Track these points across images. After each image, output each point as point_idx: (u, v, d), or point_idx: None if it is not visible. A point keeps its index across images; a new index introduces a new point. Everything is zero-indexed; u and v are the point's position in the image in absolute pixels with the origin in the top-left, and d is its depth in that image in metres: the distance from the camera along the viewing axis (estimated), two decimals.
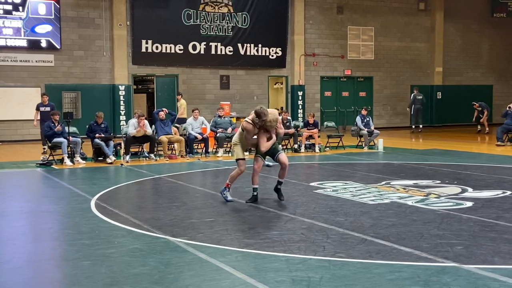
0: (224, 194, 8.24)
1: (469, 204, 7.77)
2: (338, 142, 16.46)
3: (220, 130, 14.85)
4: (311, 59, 24.66)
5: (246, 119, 8.17)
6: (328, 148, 16.01)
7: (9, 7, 19.31)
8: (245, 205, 7.90)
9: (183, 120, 16.59)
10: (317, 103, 25.03)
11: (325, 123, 19.02)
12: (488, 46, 28.30)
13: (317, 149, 15.55)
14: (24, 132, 19.28)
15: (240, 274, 4.80)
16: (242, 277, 4.74)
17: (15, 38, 19.44)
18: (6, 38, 19.32)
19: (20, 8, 19.47)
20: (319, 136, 15.88)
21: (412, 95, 24.41)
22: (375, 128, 17.17)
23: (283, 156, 8.35)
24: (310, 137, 15.87)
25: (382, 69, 26.21)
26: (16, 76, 19.68)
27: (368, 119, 16.88)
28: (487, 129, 21.90)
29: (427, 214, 7.19)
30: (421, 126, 23.88)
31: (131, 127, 13.74)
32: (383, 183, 9.74)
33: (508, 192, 8.65)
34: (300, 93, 24.37)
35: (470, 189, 8.95)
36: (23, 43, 19.60)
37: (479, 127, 22.64)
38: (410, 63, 26.78)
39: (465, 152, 15.35)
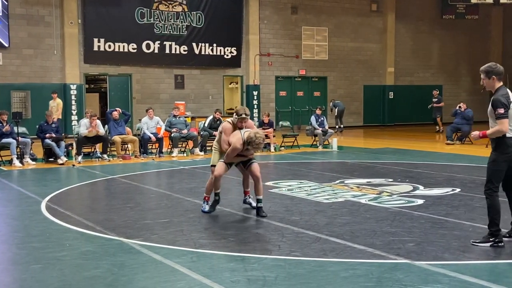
0: (202, 207, 7.42)
1: (420, 201, 7.94)
2: (293, 142, 16.57)
3: (174, 130, 14.73)
4: (266, 59, 24.75)
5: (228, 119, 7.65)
6: (283, 148, 16.10)
7: None
8: (200, 205, 7.85)
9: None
10: (272, 102, 25.14)
11: (280, 122, 19.13)
12: (438, 47, 29.05)
13: (272, 149, 15.61)
14: None
15: (196, 275, 4.77)
16: (198, 277, 4.71)
17: None
18: None
19: None
20: (274, 136, 15.95)
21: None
22: (329, 128, 17.37)
23: (256, 167, 7.30)
24: (265, 136, 15.89)
25: (336, 69, 26.54)
26: None
27: (322, 118, 17.05)
28: (441, 128, 22.41)
29: (380, 212, 7.31)
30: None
31: (82, 127, 13.48)
32: (337, 181, 9.86)
33: (458, 190, 8.89)
34: (255, 93, 24.42)
35: (421, 187, 9.15)
36: None
37: (437, 127, 22.89)
38: (363, 63, 27.21)
39: (416, 150, 15.70)
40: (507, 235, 5.76)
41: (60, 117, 17.11)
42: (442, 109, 23.23)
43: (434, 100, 22.97)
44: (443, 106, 23.19)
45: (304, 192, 8.83)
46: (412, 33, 28.36)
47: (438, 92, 23.31)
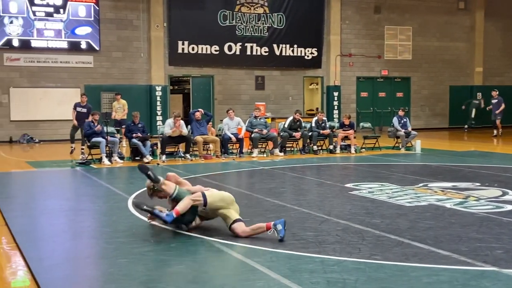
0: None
1: (510, 207, 7.58)
2: (374, 143, 16.28)
3: (256, 130, 14.84)
4: (347, 60, 24.47)
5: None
6: (364, 149, 15.86)
7: (51, 10, 19.76)
8: (280, 206, 7.89)
9: (124, 122, 16.58)
10: (353, 103, 24.83)
11: (361, 124, 18.85)
12: None
13: (352, 150, 15.42)
14: (64, 132, 19.60)
15: (275, 275, 4.80)
16: (277, 277, 4.74)
17: (56, 40, 19.89)
18: (47, 40, 19.78)
19: (61, 10, 19.90)
20: (355, 137, 15.75)
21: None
22: (412, 129, 16.93)
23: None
24: (346, 138, 15.75)
25: (420, 69, 25.83)
26: (57, 77, 20.12)
27: (405, 120, 16.66)
28: (500, 131, 21.25)
29: (466, 217, 7.05)
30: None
31: (167, 127, 13.88)
32: (420, 185, 9.59)
33: None
34: (335, 94, 24.21)
35: (511, 192, 8.73)
36: (64, 44, 20.03)
37: (495, 131, 21.60)
38: (449, 63, 26.32)
39: (506, 154, 14.99)
40: None
41: (125, 117, 17.29)
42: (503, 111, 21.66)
43: (494, 101, 21.72)
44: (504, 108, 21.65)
45: (385, 195, 8.66)
46: (502, 31, 27.09)
47: (497, 93, 22.04)
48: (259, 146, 15.18)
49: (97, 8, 20.41)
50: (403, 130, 16.32)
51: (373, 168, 12.41)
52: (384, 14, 25.03)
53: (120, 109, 17.52)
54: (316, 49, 23.73)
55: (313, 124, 15.63)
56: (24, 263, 5.31)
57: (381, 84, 25.41)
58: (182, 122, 13.97)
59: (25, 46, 19.51)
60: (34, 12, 19.52)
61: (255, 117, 15.30)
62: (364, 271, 4.89)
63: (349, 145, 15.62)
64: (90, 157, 13.32)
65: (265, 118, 17.35)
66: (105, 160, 13.15)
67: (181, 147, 14.48)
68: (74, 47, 20.17)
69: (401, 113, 16.81)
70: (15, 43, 19.38)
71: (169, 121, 14.06)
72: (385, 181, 10.05)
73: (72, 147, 15.59)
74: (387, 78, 25.39)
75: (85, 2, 20.21)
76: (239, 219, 6.12)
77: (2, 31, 19.17)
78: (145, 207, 6.23)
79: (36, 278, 4.80)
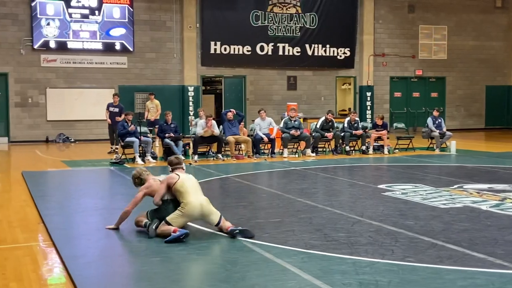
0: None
1: None
2: (408, 144, 16.08)
3: (293, 131, 14.76)
4: (381, 59, 24.24)
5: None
6: (397, 150, 15.68)
7: (86, 12, 20.10)
8: (312, 206, 7.85)
9: (157, 122, 16.53)
10: (386, 104, 24.58)
11: (395, 124, 18.64)
12: None
13: (386, 151, 15.26)
14: (98, 132, 19.99)
15: (306, 275, 4.78)
16: (308, 278, 4.72)
17: (91, 41, 20.23)
18: (83, 41, 20.13)
19: (96, 12, 20.23)
20: (388, 138, 15.58)
21: None
22: (447, 130, 16.67)
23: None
24: (379, 138, 15.60)
25: (455, 69, 25.41)
26: (92, 78, 20.46)
27: (440, 120, 16.41)
28: None
29: (502, 220, 6.90)
30: None
31: (199, 127, 13.96)
32: (455, 186, 9.43)
33: None
34: (368, 94, 24.01)
35: None
36: (99, 45, 20.36)
37: None
38: (486, 63, 25.82)
39: None
40: None
41: (158, 117, 17.35)
42: None
43: None
44: None
45: (419, 196, 8.54)
46: None
47: None
48: (291, 146, 15.15)
49: (131, 10, 20.67)
50: (438, 131, 16.08)
51: (406, 169, 12.26)
52: (419, 13, 24.71)
53: (153, 109, 17.67)
54: (348, 49, 23.57)
55: (346, 125, 15.52)
56: (59, 261, 5.42)
57: (415, 84, 25.08)
58: (214, 122, 14.04)
59: (61, 47, 19.89)
60: (70, 14, 19.88)
61: (290, 118, 15.20)
62: (397, 273, 4.83)
63: (382, 146, 15.47)
64: (123, 156, 13.50)
65: (299, 118, 17.22)
66: (138, 160, 13.30)
67: (213, 147, 14.56)
68: (108, 48, 20.48)
69: (435, 113, 16.55)
70: (52, 44, 19.78)
71: (201, 121, 14.15)
72: (419, 183, 9.91)
73: (111, 148, 15.73)
74: (421, 78, 25.06)
75: (120, 3, 20.50)
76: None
77: (39, 32, 19.59)
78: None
79: (71, 276, 4.89)
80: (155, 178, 6.74)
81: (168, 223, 6.12)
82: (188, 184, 6.32)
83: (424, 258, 5.27)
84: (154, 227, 6.17)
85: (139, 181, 6.78)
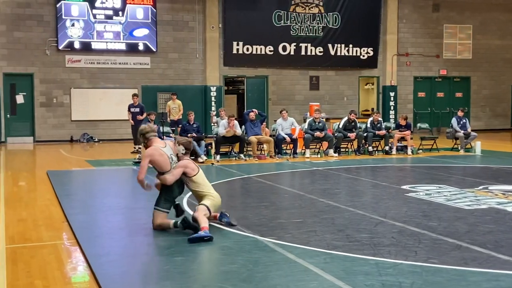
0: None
1: None
2: (432, 145, 15.91)
3: (317, 133, 14.68)
4: (404, 59, 24.04)
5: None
6: (421, 151, 15.52)
7: (110, 12, 20.30)
8: (334, 207, 7.81)
9: (180, 122, 16.62)
10: (410, 104, 24.36)
11: (418, 124, 18.47)
12: None
13: (409, 152, 15.11)
14: (122, 131, 20.18)
15: (329, 276, 4.76)
16: (331, 279, 4.69)
17: (115, 42, 20.42)
18: (107, 42, 20.33)
19: (120, 13, 20.42)
20: (411, 138, 15.44)
21: None
22: (472, 130, 16.45)
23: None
24: (402, 139, 15.46)
25: (480, 68, 25.08)
26: (115, 78, 20.65)
27: (464, 120, 16.21)
28: None
29: None
30: None
31: (221, 127, 14.00)
32: (480, 187, 9.30)
33: None
34: (392, 94, 23.82)
35: None
36: (122, 46, 20.54)
37: None
38: (511, 63, 25.42)
39: None
40: None
41: (181, 117, 17.48)
42: None
43: None
44: None
45: (443, 197, 8.44)
46: None
47: None
48: (313, 146, 15.09)
49: (154, 10, 20.82)
50: (462, 131, 15.89)
51: (430, 170, 12.13)
52: (443, 12, 24.45)
53: (175, 109, 17.76)
54: (372, 48, 23.42)
55: (369, 125, 15.42)
56: (83, 259, 5.48)
57: (439, 84, 24.82)
58: (236, 122, 14.06)
59: (85, 48, 20.12)
60: (94, 15, 20.10)
61: (314, 119, 15.10)
62: (420, 275, 4.78)
63: (405, 146, 15.33)
64: None
65: (322, 118, 17.10)
66: None
67: (235, 147, 14.58)
68: (132, 49, 20.65)
69: (460, 113, 16.36)
70: (76, 45, 20.01)
71: (223, 121, 14.18)
72: (443, 183, 9.80)
73: (135, 147, 15.84)
74: (445, 78, 24.78)
75: (143, 4, 20.66)
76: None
77: (64, 33, 19.84)
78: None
79: (95, 274, 4.94)
80: (158, 146, 6.58)
81: (207, 207, 6.40)
82: (204, 177, 6.66)
83: (448, 260, 5.21)
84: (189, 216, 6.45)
85: (143, 139, 6.71)
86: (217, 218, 6.67)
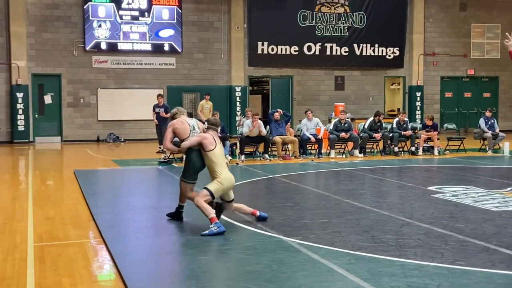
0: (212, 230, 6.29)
1: None
2: (459, 145, 15.70)
3: (342, 134, 14.60)
4: (431, 59, 23.77)
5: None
6: (448, 151, 15.33)
7: (136, 13, 20.49)
8: (359, 208, 7.76)
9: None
10: (437, 104, 24.08)
11: (445, 125, 18.24)
12: None
13: (436, 152, 14.94)
14: (147, 131, 20.33)
15: (353, 277, 4.73)
16: (356, 280, 4.67)
17: (140, 43, 20.60)
18: (133, 43, 20.53)
19: (146, 14, 20.59)
20: (438, 139, 15.25)
21: None
22: (500, 131, 16.19)
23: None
24: (429, 139, 15.29)
25: (509, 68, 24.61)
26: (141, 78, 20.83)
27: (492, 121, 15.96)
28: None
29: None
30: None
31: (245, 127, 14.01)
32: (508, 189, 9.15)
33: None
34: (418, 94, 23.57)
35: None
36: (148, 47, 20.71)
37: None
38: None
39: None
40: None
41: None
42: None
43: None
44: None
45: (471, 199, 8.33)
46: None
47: None
48: (338, 147, 15.02)
49: (180, 11, 20.95)
50: (490, 132, 15.64)
51: (457, 170, 11.98)
52: (470, 11, 24.11)
53: (207, 109, 17.91)
54: (398, 48, 23.21)
55: (394, 125, 15.28)
56: (109, 257, 5.54)
57: (467, 83, 24.48)
58: (260, 122, 14.06)
59: (112, 48, 20.34)
60: (121, 16, 20.31)
61: (340, 120, 15.02)
62: (447, 277, 4.73)
63: (432, 147, 15.16)
64: (171, 156, 13.68)
65: (348, 119, 16.99)
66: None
67: (260, 147, 14.58)
68: (157, 49, 20.81)
69: (488, 114, 16.11)
70: (103, 46, 20.25)
71: (248, 121, 14.19)
72: (470, 185, 9.67)
73: (160, 147, 15.95)
74: (473, 78, 24.44)
75: (169, 5, 20.81)
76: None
77: (91, 34, 20.08)
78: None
79: (121, 272, 4.99)
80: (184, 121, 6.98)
81: (210, 192, 6.49)
82: (221, 156, 6.76)
83: (475, 262, 5.14)
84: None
85: (172, 120, 7.15)
86: (256, 215, 6.90)
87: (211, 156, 6.64)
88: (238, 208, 6.93)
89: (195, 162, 6.83)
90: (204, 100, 18.13)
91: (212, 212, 6.38)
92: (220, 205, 6.75)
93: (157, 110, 16.26)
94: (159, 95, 16.65)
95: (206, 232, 6.21)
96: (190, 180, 6.89)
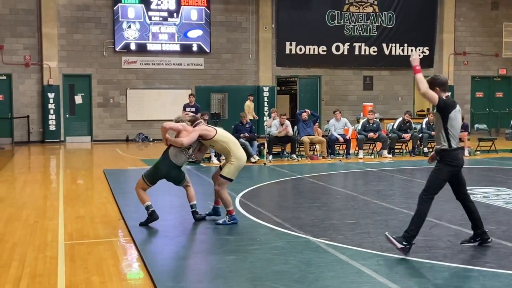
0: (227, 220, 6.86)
1: None
2: (490, 146, 15.44)
3: (370, 134, 14.50)
4: (461, 58, 23.43)
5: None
6: (478, 152, 15.09)
7: (165, 14, 20.66)
8: (388, 208, 7.69)
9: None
10: (467, 104, 23.70)
11: (476, 125, 17.96)
12: None
13: (466, 153, 14.70)
14: None
15: (382, 279, 4.69)
16: (384, 281, 4.63)
17: (169, 43, 20.77)
18: (161, 43, 20.71)
19: (175, 14, 20.75)
20: (468, 139, 15.02)
21: None
22: None
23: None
24: (459, 140, 15.04)
25: None
26: (170, 79, 21.00)
27: None
28: None
29: None
30: None
31: (273, 127, 14.02)
32: None
33: None
34: (448, 94, 23.22)
35: None
36: (177, 47, 20.87)
37: None
38: None
39: None
40: (472, 240, 5.63)
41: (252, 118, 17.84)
42: None
43: None
44: None
45: (502, 200, 8.18)
46: None
47: None
48: (367, 147, 14.91)
49: (208, 12, 21.05)
50: None
51: (488, 172, 11.78)
52: (502, 10, 23.68)
53: (252, 109, 18.33)
54: (427, 47, 22.94)
55: (424, 125, 15.10)
56: (138, 256, 5.59)
57: (498, 83, 24.06)
58: (288, 122, 14.04)
59: (141, 49, 20.55)
60: (150, 17, 20.51)
61: (368, 121, 14.91)
62: (477, 279, 4.65)
63: (462, 148, 14.92)
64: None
65: (376, 119, 16.84)
66: (214, 159, 13.52)
67: (287, 147, 14.56)
68: (186, 50, 20.95)
69: None
70: (132, 46, 20.47)
71: (275, 121, 14.19)
72: (501, 186, 9.50)
73: None
74: (505, 78, 24.00)
75: (197, 6, 20.93)
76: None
77: (121, 35, 20.33)
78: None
79: (149, 271, 5.03)
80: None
81: (228, 179, 6.74)
82: (227, 134, 6.90)
83: (506, 264, 5.05)
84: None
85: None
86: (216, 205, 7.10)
87: (219, 139, 6.76)
88: (217, 190, 6.96)
89: (161, 170, 7.02)
90: (248, 101, 18.80)
91: (231, 205, 6.77)
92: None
93: (187, 110, 16.34)
94: (190, 95, 16.77)
95: (220, 221, 6.74)
96: (147, 180, 7.07)
